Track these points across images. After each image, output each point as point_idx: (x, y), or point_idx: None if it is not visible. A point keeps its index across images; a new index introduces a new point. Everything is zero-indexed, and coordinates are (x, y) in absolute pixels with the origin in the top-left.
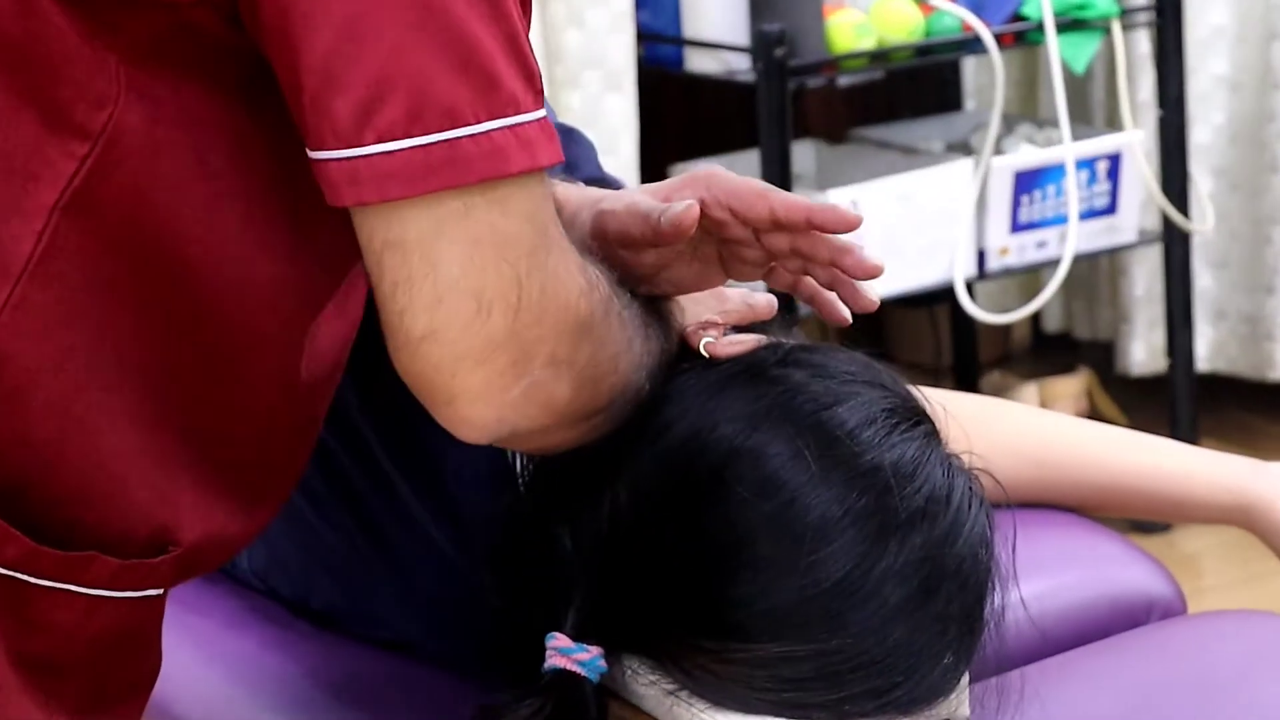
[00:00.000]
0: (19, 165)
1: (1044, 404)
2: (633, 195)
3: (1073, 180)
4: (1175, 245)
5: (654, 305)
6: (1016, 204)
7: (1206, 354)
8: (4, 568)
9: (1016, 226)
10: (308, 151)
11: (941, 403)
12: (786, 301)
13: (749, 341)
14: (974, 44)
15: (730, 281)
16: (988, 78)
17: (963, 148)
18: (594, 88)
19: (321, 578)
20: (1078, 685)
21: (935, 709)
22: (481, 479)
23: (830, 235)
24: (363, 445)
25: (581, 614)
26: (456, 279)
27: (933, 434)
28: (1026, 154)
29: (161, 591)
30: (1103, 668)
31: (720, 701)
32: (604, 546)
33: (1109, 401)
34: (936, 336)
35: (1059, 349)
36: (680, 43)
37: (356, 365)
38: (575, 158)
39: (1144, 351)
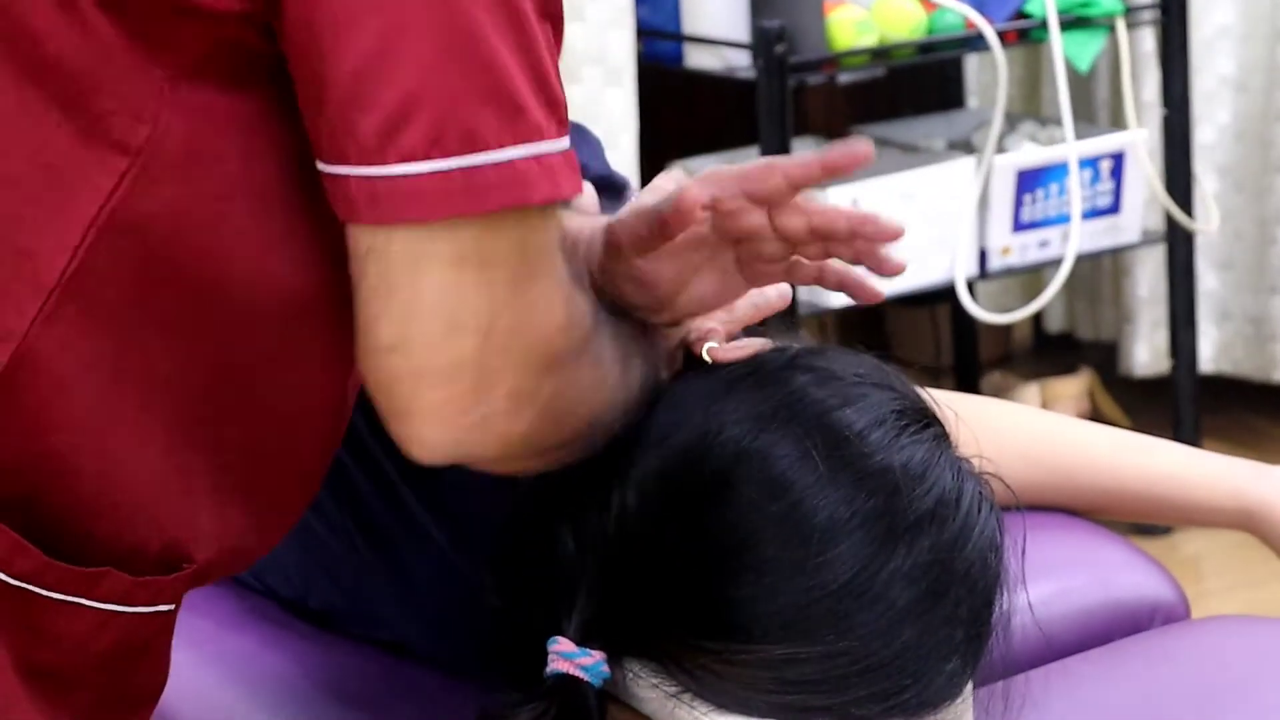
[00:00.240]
0: (57, 178)
1: (1045, 405)
2: (640, 200)
3: (1075, 179)
4: (1179, 245)
5: (643, 332)
6: (1019, 203)
7: (1211, 355)
8: (15, 579)
9: (1019, 225)
10: (320, 164)
11: (948, 405)
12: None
13: (753, 345)
14: (977, 41)
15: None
16: (990, 75)
17: (965, 146)
18: (594, 83)
19: (320, 578)
20: (1081, 690)
21: (941, 714)
22: (482, 480)
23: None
24: (362, 445)
25: (585, 617)
26: (432, 297)
27: (942, 436)
28: (1029, 152)
29: (173, 607)
30: (1105, 673)
31: (724, 704)
32: (608, 548)
33: (1111, 403)
34: (937, 336)
35: (1061, 349)
36: (680, 39)
37: None
38: (584, 157)
39: (1147, 352)
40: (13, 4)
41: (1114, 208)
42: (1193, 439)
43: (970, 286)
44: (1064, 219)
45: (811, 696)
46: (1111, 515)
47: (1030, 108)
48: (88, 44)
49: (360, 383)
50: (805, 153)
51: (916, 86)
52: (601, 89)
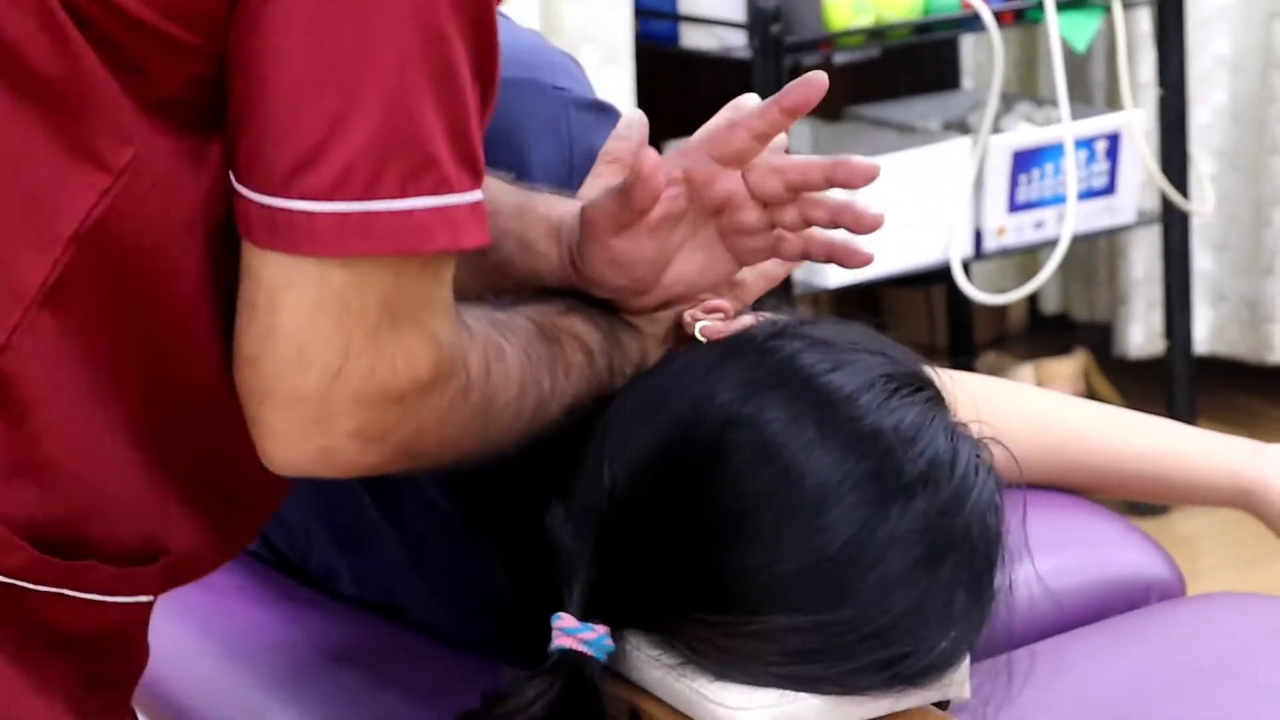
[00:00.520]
0: (44, 195)
1: (1040, 385)
2: (610, 179)
3: (1071, 160)
4: (1174, 226)
5: (607, 328)
6: (1014, 183)
7: (1206, 336)
8: (5, 576)
9: (1014, 206)
10: (231, 178)
11: (949, 375)
12: (781, 286)
13: (744, 321)
14: (973, 22)
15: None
16: (986, 56)
17: (960, 126)
18: (591, 61)
19: (323, 537)
20: (1077, 666)
21: (944, 681)
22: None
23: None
24: None
25: (585, 592)
26: (288, 327)
27: (936, 400)
28: (1025, 133)
29: (152, 598)
30: (1101, 649)
31: (725, 675)
32: (604, 523)
33: (1106, 384)
34: (932, 317)
35: (1056, 330)
36: (676, 18)
37: None
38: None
39: (1142, 334)
40: (5, 27)
41: (1109, 189)
42: (1187, 420)
43: (965, 267)
44: (1059, 200)
45: (812, 666)
46: (1108, 493)
47: (1026, 88)
48: (75, 69)
49: None
50: (763, 103)
51: (912, 67)
52: (599, 68)
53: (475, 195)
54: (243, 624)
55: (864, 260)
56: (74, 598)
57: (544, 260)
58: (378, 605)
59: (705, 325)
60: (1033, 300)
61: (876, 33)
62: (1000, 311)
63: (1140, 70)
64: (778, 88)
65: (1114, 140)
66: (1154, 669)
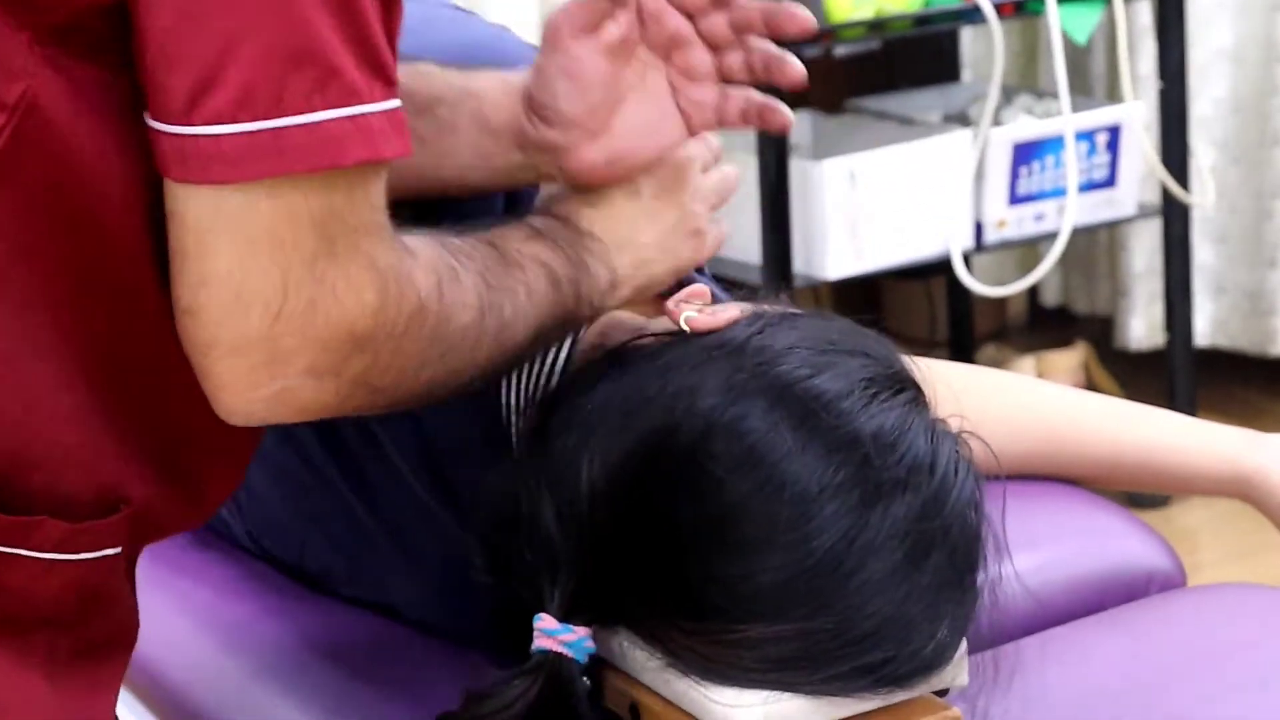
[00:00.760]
0: None
1: (1041, 378)
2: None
3: (1072, 152)
4: (1175, 219)
5: (575, 257)
6: (1015, 176)
7: (1207, 329)
8: None
9: (1014, 198)
10: (145, 116)
11: (939, 373)
12: (780, 270)
13: (730, 312)
14: (973, 14)
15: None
16: (987, 48)
17: (961, 119)
18: None
19: (316, 539)
20: (1077, 657)
21: (932, 680)
22: (472, 446)
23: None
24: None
25: (567, 594)
26: (221, 269)
27: (916, 401)
28: (1025, 125)
29: (119, 550)
30: (1102, 640)
31: (709, 679)
32: (584, 525)
33: (1106, 376)
34: (932, 309)
35: (1056, 323)
36: None
37: None
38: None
39: (1142, 326)
40: None
41: (1110, 181)
42: (1188, 412)
43: (966, 259)
44: (1060, 192)
45: (794, 673)
46: (1108, 484)
47: (1026, 80)
48: None
49: None
50: None
51: (913, 59)
52: None
53: (390, 104)
54: (242, 616)
55: (784, 121)
56: (30, 558)
57: (493, 109)
58: (375, 605)
59: (690, 316)
60: (1033, 293)
61: (877, 25)
62: (1001, 304)
63: (1141, 62)
64: None
65: (1114, 132)
66: (1155, 659)
